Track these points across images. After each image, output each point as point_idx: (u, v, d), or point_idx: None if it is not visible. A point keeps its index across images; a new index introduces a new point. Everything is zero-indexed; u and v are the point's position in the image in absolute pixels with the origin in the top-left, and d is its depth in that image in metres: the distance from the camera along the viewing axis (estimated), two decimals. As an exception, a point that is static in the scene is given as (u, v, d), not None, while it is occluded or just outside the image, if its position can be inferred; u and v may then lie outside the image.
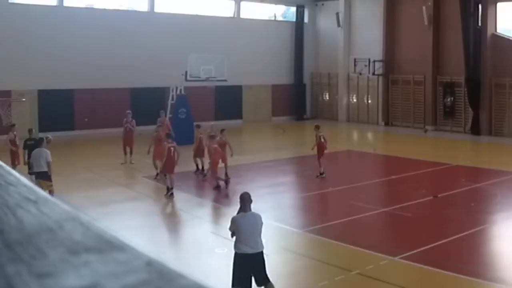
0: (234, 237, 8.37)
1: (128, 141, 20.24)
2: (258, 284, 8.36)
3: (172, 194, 15.49)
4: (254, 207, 8.67)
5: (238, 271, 8.24)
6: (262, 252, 8.33)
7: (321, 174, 17.75)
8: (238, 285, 8.18)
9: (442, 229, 12.47)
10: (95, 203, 15.08)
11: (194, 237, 12.52)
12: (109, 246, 0.58)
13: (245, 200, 8.40)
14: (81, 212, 0.67)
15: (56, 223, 0.62)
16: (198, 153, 18.58)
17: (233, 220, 8.37)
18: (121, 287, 0.50)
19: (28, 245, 0.56)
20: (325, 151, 18.09)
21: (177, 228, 13.89)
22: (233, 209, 14.54)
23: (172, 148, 15.69)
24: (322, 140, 18.02)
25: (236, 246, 8.30)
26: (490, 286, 9.26)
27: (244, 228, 8.22)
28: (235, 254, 8.32)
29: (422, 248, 10.96)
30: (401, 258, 10.48)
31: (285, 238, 12.13)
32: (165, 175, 15.94)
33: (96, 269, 0.53)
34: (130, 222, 13.11)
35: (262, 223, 8.38)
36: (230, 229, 8.44)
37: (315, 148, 18.01)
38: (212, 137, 17.04)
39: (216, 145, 16.70)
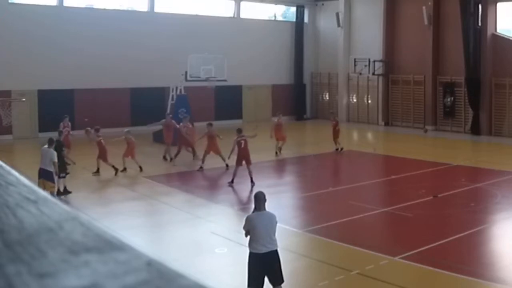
0: (248, 237, 8.30)
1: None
2: (273, 283, 8.26)
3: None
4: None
5: (253, 270, 8.18)
6: (277, 251, 8.28)
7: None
8: (253, 285, 8.16)
9: (442, 229, 12.47)
10: (95, 203, 15.08)
11: (194, 237, 12.52)
12: (109, 246, 0.58)
13: (260, 199, 8.38)
14: (81, 212, 0.67)
15: (56, 223, 0.62)
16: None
17: (248, 219, 8.32)
18: (121, 287, 0.50)
19: (28, 245, 0.56)
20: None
21: (177, 228, 13.87)
22: (234, 209, 14.60)
23: (242, 142, 17.22)
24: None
25: (250, 245, 8.23)
26: (490, 286, 9.26)
27: (260, 227, 8.15)
28: (250, 253, 8.24)
29: (422, 248, 10.95)
30: (401, 258, 10.48)
31: (285, 238, 12.11)
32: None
33: (96, 269, 0.53)
34: (130, 222, 13.10)
35: (276, 222, 8.36)
36: (244, 228, 8.37)
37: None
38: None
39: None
